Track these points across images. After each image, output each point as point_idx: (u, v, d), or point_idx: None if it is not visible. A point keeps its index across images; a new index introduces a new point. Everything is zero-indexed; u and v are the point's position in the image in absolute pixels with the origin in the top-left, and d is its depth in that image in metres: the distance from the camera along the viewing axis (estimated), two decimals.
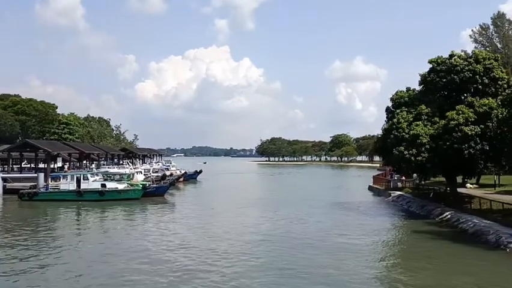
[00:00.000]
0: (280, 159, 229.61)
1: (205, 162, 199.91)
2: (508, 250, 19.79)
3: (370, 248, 21.71)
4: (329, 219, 31.22)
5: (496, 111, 26.14)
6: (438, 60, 32.03)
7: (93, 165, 60.06)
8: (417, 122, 30.86)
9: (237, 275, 16.83)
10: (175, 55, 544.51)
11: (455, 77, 30.58)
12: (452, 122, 28.45)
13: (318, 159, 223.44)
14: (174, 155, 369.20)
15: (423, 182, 41.62)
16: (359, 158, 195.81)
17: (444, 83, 31.26)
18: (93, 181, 41.88)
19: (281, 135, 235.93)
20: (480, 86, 30.21)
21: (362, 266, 18.17)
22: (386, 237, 24.89)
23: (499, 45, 69.44)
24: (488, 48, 69.12)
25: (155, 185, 45.67)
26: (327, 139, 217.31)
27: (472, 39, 70.80)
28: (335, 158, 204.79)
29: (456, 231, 25.11)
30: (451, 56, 31.96)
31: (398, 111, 33.26)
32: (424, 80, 32.82)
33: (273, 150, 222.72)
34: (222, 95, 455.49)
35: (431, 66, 32.40)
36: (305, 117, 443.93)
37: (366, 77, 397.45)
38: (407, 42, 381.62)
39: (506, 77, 29.27)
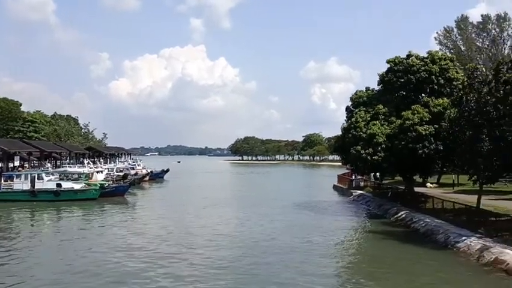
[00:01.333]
0: (254, 158, 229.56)
1: (179, 162, 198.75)
2: (455, 250, 19.88)
3: (321, 249, 21.35)
4: (287, 219, 30.86)
5: (448, 111, 26.35)
6: (396, 60, 32.20)
7: (48, 165, 58.03)
8: (375, 122, 30.95)
9: (179, 279, 16.24)
10: (150, 53, 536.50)
11: (412, 77, 30.81)
12: (408, 122, 28.62)
13: (290, 158, 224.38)
14: (148, 154, 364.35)
15: (383, 182, 42.12)
16: (331, 157, 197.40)
17: (402, 83, 31.45)
18: (48, 181, 40.35)
19: (257, 135, 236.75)
20: (436, 86, 30.50)
21: (310, 268, 17.81)
22: (339, 237, 24.66)
23: (462, 48, 71.03)
24: (452, 51, 70.66)
25: (114, 185, 44.42)
26: (301, 139, 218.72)
27: (437, 42, 72.10)
28: (307, 157, 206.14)
29: (408, 231, 25.21)
30: (408, 56, 32.17)
31: (356, 110, 33.35)
32: (382, 79, 32.96)
33: (246, 149, 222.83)
34: (198, 94, 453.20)
35: (388, 66, 32.54)
36: (281, 117, 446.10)
37: (340, 78, 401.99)
38: (380, 44, 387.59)
39: (461, 77, 29.56)
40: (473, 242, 19.33)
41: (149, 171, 69.50)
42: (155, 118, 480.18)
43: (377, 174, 40.50)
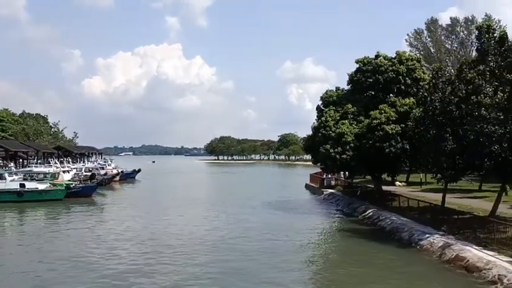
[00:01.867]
0: (229, 158, 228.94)
1: (153, 161, 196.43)
2: (418, 247, 20.10)
3: (288, 248, 21.27)
4: (256, 219, 30.69)
5: (414, 110, 26.69)
6: (365, 60, 32.51)
7: (11, 164, 56.12)
8: (344, 121, 31.17)
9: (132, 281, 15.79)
10: (124, 51, 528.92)
11: (380, 77, 31.16)
12: (375, 121, 28.90)
13: (266, 158, 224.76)
14: (122, 154, 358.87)
15: (354, 180, 42.53)
16: (306, 156, 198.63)
17: (370, 83, 31.77)
18: (11, 181, 38.94)
19: (234, 135, 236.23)
20: (403, 87, 30.92)
21: (276, 267, 17.64)
22: (305, 236, 24.54)
23: (432, 50, 72.61)
24: (422, 53, 72.13)
25: (81, 185, 43.27)
26: (277, 138, 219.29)
27: (408, 43, 73.44)
28: (282, 157, 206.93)
29: (375, 229, 25.44)
30: (377, 56, 32.52)
31: (326, 110, 33.51)
32: (351, 79, 33.22)
33: (222, 148, 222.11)
34: (174, 93, 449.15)
35: (357, 66, 32.81)
36: (258, 117, 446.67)
37: (317, 79, 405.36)
38: (355, 45, 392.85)
39: (427, 78, 30.02)
40: (436, 240, 19.59)
41: (119, 171, 68.05)
42: (130, 117, 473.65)
43: (347, 173, 40.81)
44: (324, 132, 31.55)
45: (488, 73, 20.14)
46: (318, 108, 35.89)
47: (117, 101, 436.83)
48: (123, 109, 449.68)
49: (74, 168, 57.43)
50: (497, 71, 20.28)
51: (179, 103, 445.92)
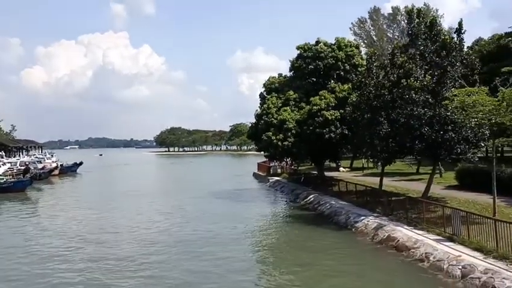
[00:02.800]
0: (180, 149, 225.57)
1: (101, 154, 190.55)
2: (353, 229, 20.38)
3: (231, 237, 20.77)
4: (200, 208, 30.05)
5: (351, 96, 27.02)
6: (305, 47, 32.52)
7: None
8: (285, 108, 31.09)
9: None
10: (67, 39, 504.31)
11: (320, 63, 31.30)
12: (315, 107, 29.03)
13: (218, 148, 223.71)
14: (67, 148, 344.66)
15: (300, 168, 42.89)
16: None
17: (311, 69, 31.85)
18: None
19: (185, 125, 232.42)
20: (342, 73, 31.25)
21: (218, 256, 17.12)
22: (247, 224, 24.17)
23: (375, 38, 74.53)
24: (365, 41, 73.92)
25: (13, 180, 40.63)
26: (229, 129, 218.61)
27: (352, 32, 74.91)
28: (234, 147, 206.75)
29: (315, 214, 25.65)
30: (317, 42, 32.61)
31: (268, 97, 33.28)
32: (293, 66, 33.16)
33: (172, 140, 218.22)
34: (121, 84, 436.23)
35: (298, 52, 32.77)
36: (209, 107, 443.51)
37: (268, 68, 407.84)
38: (307, 34, 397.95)
39: (365, 64, 30.47)
40: (370, 221, 19.94)
41: (59, 164, 64.78)
42: (75, 109, 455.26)
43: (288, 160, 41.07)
44: (266, 119, 31.35)
45: (418, 57, 20.60)
46: (261, 95, 35.62)
47: (60, 92, 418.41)
48: (67, 101, 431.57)
49: (8, 163, 53.92)
50: (426, 55, 20.81)
51: (127, 94, 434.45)
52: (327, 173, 38.43)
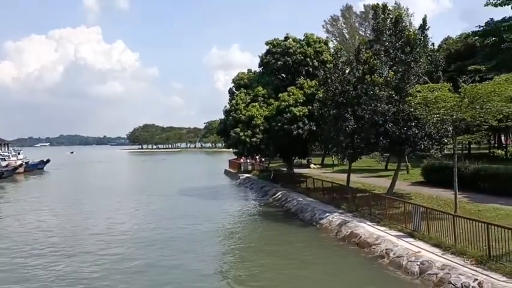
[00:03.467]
0: (154, 146, 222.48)
1: (72, 152, 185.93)
2: (318, 226, 20.20)
3: (196, 236, 20.22)
4: (166, 206, 29.42)
5: (319, 92, 26.88)
6: (274, 42, 32.23)
7: None
8: (254, 104, 30.73)
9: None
10: (37, 34, 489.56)
11: (289, 59, 31.05)
12: (283, 103, 28.79)
13: (193, 145, 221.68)
14: (38, 145, 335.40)
15: (269, 164, 42.65)
16: None
17: (280, 65, 31.58)
18: None
19: (160, 123, 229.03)
20: (311, 69, 31.10)
21: (184, 256, 16.63)
22: (213, 221, 23.68)
23: (347, 36, 75.04)
24: (338, 39, 74.36)
25: None
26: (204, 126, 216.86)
27: (324, 30, 75.20)
28: (209, 145, 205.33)
29: (281, 211, 25.43)
30: (286, 38, 32.37)
31: (237, 92, 32.86)
32: (262, 61, 32.82)
33: (146, 137, 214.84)
34: (94, 80, 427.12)
35: (267, 48, 32.44)
36: (185, 104, 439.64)
37: (243, 65, 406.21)
38: (280, 31, 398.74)
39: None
40: (335, 218, 19.79)
41: (24, 162, 62.66)
42: (46, 105, 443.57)
43: (262, 157, 40.79)
44: (234, 115, 30.90)
45: (383, 53, 20.55)
46: (230, 91, 35.13)
47: (30, 87, 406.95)
48: (37, 97, 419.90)
49: None
50: (391, 51, 20.77)
51: (100, 90, 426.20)
52: (297, 170, 38.34)
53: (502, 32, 42.43)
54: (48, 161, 70.29)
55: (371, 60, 20.09)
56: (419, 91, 17.82)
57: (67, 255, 16.82)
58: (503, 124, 28.63)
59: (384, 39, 20.75)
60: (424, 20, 20.54)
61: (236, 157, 57.96)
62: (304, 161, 46.36)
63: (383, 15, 21.25)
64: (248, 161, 46.66)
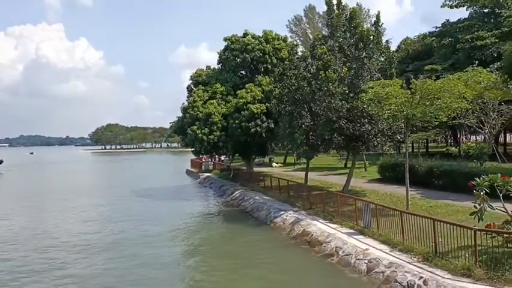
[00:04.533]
0: (118, 146, 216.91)
1: (32, 153, 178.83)
2: (272, 225, 19.76)
3: (145, 238, 19.32)
4: (120, 207, 28.27)
5: (276, 89, 26.47)
6: (233, 39, 31.64)
7: None
8: (212, 101, 30.02)
9: None
10: None
11: (247, 55, 30.55)
12: (241, 101, 28.24)
13: (158, 145, 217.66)
14: None
15: (231, 163, 42.03)
16: None
17: (239, 62, 31.06)
18: None
19: (126, 123, 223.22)
20: (269, 66, 30.70)
21: (127, 260, 15.75)
22: (166, 223, 22.71)
23: (311, 36, 75.39)
24: (301, 39, 74.59)
25: None
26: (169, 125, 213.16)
27: (288, 30, 75.33)
28: (175, 144, 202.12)
29: (238, 210, 24.90)
30: (245, 34, 31.85)
31: (195, 89, 32.06)
32: (220, 58, 32.17)
33: (109, 137, 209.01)
34: (56, 79, 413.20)
35: (226, 44, 31.83)
36: (151, 104, 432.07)
37: (212, 65, 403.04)
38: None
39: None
40: (289, 216, 19.41)
41: None
42: (4, 105, 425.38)
43: (222, 157, 40.12)
44: (192, 112, 30.08)
45: (337, 49, 20.35)
46: (188, 88, 34.24)
47: None
48: None
49: None
50: (345, 47, 20.61)
51: (63, 89, 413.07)
52: (259, 169, 37.94)
53: (457, 32, 43.73)
54: (1, 162, 66.99)
55: (325, 56, 19.81)
56: (371, 87, 17.71)
57: None
58: (456, 122, 29.31)
59: (339, 35, 20.56)
60: (378, 17, 20.53)
61: (199, 156, 57.28)
62: (266, 160, 46.06)
63: (337, 11, 21.05)
64: (209, 160, 45.87)
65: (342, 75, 19.18)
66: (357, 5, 67.64)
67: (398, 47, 60.18)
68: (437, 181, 23.40)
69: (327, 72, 19.27)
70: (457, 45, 41.59)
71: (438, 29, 47.41)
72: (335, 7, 21.00)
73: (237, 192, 28.67)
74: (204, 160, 46.74)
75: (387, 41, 22.19)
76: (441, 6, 45.82)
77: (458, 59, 40.88)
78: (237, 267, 14.34)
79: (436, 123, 18.08)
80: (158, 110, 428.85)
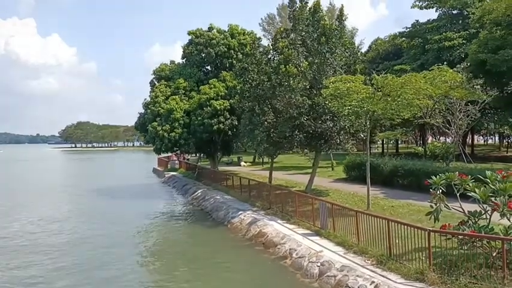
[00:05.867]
0: (89, 145, 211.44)
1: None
2: (229, 225, 18.81)
3: (100, 239, 18.14)
4: (76, 207, 26.78)
5: (239, 84, 25.56)
6: (197, 32, 30.55)
7: None
8: (174, 97, 28.84)
9: None
10: None
11: (212, 50, 29.51)
12: (204, 96, 27.19)
13: (131, 144, 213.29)
14: None
15: (199, 162, 40.88)
16: None
17: (203, 57, 29.99)
18: None
19: (99, 120, 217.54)
20: (235, 61, 29.69)
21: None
22: (120, 224, 21.41)
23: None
24: None
25: None
26: None
27: (261, 28, 74.44)
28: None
29: (197, 209, 23.87)
30: (210, 28, 30.80)
31: (158, 84, 30.80)
32: (184, 52, 31.01)
33: (79, 135, 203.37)
34: (27, 75, 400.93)
35: (190, 38, 30.69)
36: (125, 102, 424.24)
37: None
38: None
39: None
40: (247, 216, 18.50)
41: None
42: None
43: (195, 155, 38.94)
44: (153, 108, 28.83)
45: (299, 42, 19.56)
46: (151, 83, 32.91)
47: None
48: None
49: None
50: (308, 41, 19.83)
51: (33, 86, 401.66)
52: (226, 168, 36.91)
53: (426, 33, 43.88)
54: None
55: (287, 50, 18.97)
56: (332, 82, 17.00)
57: None
58: (422, 121, 29.07)
59: (301, 28, 19.76)
60: (341, 11, 19.86)
61: (167, 155, 55.70)
62: (235, 159, 45.09)
63: (300, 4, 20.26)
64: (175, 158, 44.55)
65: (302, 69, 18.37)
66: (330, 4, 67.49)
67: (369, 47, 60.40)
68: (401, 180, 23.04)
69: (287, 66, 18.44)
70: (425, 45, 41.73)
71: (408, 29, 47.56)
72: None
73: (199, 191, 27.57)
74: (171, 159, 45.34)
75: (353, 37, 21.56)
76: (411, 7, 45.92)
77: (427, 60, 40.91)
78: (184, 269, 13.36)
79: (398, 120, 17.56)
80: (132, 108, 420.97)
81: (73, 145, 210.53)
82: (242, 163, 43.81)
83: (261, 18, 74.96)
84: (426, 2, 45.35)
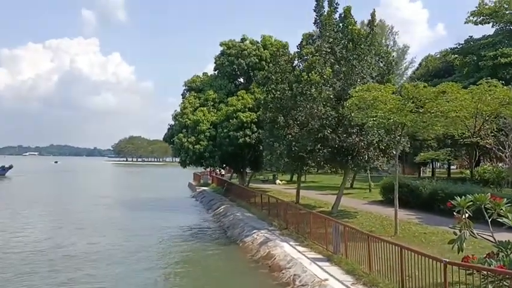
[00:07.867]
0: (139, 159, 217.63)
1: (56, 162, 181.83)
2: (241, 244, 17.33)
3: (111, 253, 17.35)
4: (100, 217, 26.40)
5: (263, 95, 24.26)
6: (230, 43, 29.83)
7: None
8: (202, 108, 28.08)
9: None
10: (34, 43, 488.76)
11: (243, 61, 28.60)
12: (231, 108, 26.19)
13: (178, 159, 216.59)
14: (26, 154, 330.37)
15: (231, 177, 39.84)
16: None
17: (234, 68, 29.13)
18: None
19: (151, 136, 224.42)
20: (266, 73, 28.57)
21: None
22: (136, 237, 20.45)
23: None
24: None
25: None
26: None
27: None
28: None
29: (215, 226, 22.58)
30: (243, 39, 30.00)
31: (187, 95, 30.27)
32: (216, 63, 30.35)
33: (131, 149, 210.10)
34: (88, 91, 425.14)
35: (222, 49, 30.01)
36: None
37: None
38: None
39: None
40: (260, 236, 16.93)
41: None
42: (37, 114, 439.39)
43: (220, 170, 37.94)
44: (180, 120, 28.20)
45: (325, 49, 18.06)
46: (182, 94, 32.46)
47: (23, 96, 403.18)
48: (30, 105, 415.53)
49: None
50: (337, 48, 18.29)
51: (93, 101, 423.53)
52: (260, 185, 35.52)
53: (480, 49, 40.67)
54: (11, 167, 67.27)
55: (311, 56, 17.53)
56: (357, 91, 15.32)
57: None
58: (468, 141, 26.28)
59: (328, 34, 18.27)
60: (372, 15, 18.19)
61: (203, 170, 55.12)
62: (271, 177, 43.59)
63: (329, 9, 18.83)
64: (207, 173, 43.83)
65: (325, 77, 16.79)
66: (380, 21, 65.09)
67: (419, 64, 57.34)
68: (441, 205, 20.61)
69: (310, 74, 16.95)
70: (479, 62, 38.60)
71: (460, 45, 44.44)
72: (325, 2, 18.76)
73: (222, 207, 26.31)
74: (204, 174, 44.66)
75: (387, 46, 19.78)
76: (465, 22, 42.91)
77: (481, 77, 37.63)
78: None
79: (432, 136, 15.53)
80: None
81: (125, 159, 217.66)
82: (277, 181, 42.20)
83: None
84: (481, 17, 42.25)
